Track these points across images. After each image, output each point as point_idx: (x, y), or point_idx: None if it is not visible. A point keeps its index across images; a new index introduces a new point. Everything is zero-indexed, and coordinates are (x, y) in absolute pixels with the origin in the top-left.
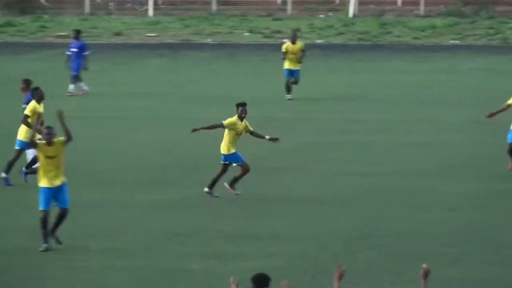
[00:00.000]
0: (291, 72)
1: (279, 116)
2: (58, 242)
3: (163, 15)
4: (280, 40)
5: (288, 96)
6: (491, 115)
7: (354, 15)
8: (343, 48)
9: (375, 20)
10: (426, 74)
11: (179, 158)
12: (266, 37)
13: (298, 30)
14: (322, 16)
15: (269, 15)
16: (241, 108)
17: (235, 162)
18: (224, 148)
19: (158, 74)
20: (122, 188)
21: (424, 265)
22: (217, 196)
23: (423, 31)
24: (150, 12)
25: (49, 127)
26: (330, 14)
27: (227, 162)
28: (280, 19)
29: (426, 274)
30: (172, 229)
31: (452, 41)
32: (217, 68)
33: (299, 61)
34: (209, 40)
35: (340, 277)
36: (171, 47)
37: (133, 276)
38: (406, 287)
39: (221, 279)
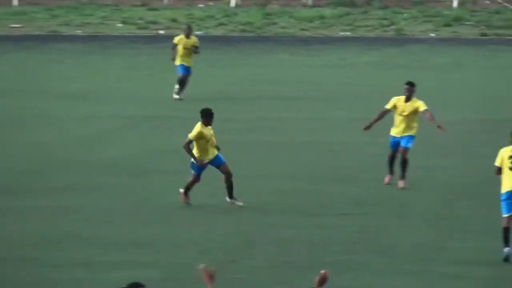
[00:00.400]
0: (185, 68)
1: (154, 114)
2: None
3: (29, 5)
4: (155, 31)
5: (177, 96)
6: (368, 127)
7: (237, 5)
8: (224, 41)
9: (259, 10)
10: (315, 69)
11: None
12: (140, 28)
13: (174, 21)
14: (201, 5)
15: (143, 5)
16: (207, 114)
17: (193, 170)
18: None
19: (24, 69)
20: None
21: (323, 271)
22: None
23: (311, 22)
24: (15, 1)
25: None
26: (211, 3)
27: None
28: (156, 9)
29: (323, 280)
30: (38, 235)
31: (342, 33)
32: (88, 62)
33: (191, 55)
34: (78, 32)
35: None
36: (38, 39)
37: None
38: None
39: None
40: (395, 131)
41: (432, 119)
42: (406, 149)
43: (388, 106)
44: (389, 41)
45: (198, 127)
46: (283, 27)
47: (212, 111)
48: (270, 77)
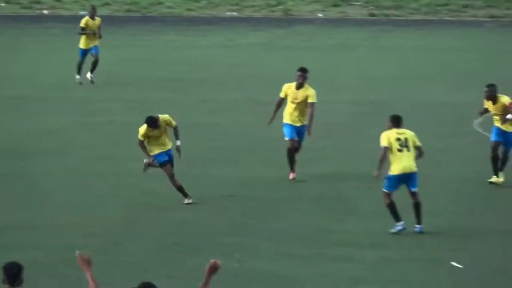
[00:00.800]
0: (85, 52)
1: (30, 95)
2: None
3: None
4: (39, 11)
5: (91, 76)
6: (270, 122)
7: None
8: (109, 21)
9: None
10: (202, 49)
11: None
12: (24, 8)
13: (58, 0)
14: None
15: None
16: (153, 128)
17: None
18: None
19: None
20: None
21: (213, 260)
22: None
23: (197, 1)
24: None
25: None
26: None
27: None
28: None
29: (214, 269)
30: None
31: (229, 13)
32: None
33: (97, 37)
34: None
35: (88, 263)
36: None
37: None
38: (180, 280)
39: None
40: (289, 119)
41: (310, 118)
42: (300, 142)
43: (282, 94)
44: (276, 22)
45: (142, 129)
46: (169, 7)
47: (155, 118)
48: (156, 58)
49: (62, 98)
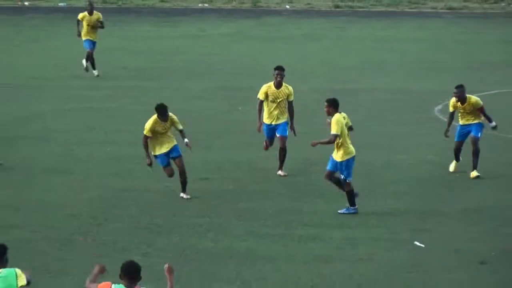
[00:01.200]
0: (92, 43)
1: (12, 82)
2: None
3: None
4: (21, 3)
5: (95, 72)
6: (259, 129)
7: None
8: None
9: None
10: (175, 39)
11: None
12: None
13: None
14: None
15: None
16: (161, 118)
17: (160, 163)
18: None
19: None
20: None
21: (166, 264)
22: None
23: None
24: None
25: None
26: None
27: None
28: None
29: (171, 270)
30: None
31: (201, 5)
32: None
33: (96, 31)
34: None
35: (102, 271)
36: None
37: None
38: (156, 258)
39: None
40: (268, 118)
41: (293, 116)
42: (285, 137)
43: (261, 96)
44: (245, 13)
45: (150, 122)
46: None
47: (166, 106)
48: (132, 48)
49: (40, 86)
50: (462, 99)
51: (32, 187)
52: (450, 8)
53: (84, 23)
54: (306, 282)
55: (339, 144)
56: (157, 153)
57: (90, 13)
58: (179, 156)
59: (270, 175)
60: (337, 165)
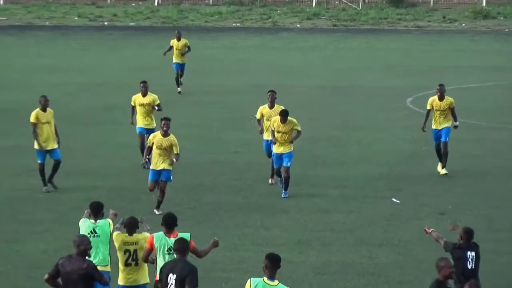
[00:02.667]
0: (179, 65)
1: (95, 82)
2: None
3: (11, 3)
4: (102, 23)
5: (179, 90)
6: (261, 131)
7: (158, 4)
8: (150, 30)
9: (174, 7)
10: (215, 50)
11: None
12: (91, 20)
13: (115, 15)
14: (133, 4)
15: (93, 3)
16: (163, 122)
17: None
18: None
19: (8, 50)
20: None
21: (216, 238)
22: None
23: (212, 16)
24: (1, 1)
25: None
26: (140, 3)
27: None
28: (101, 7)
29: (216, 245)
30: None
31: (234, 24)
32: (53, 45)
33: (183, 55)
34: (47, 23)
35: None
36: (18, 28)
37: None
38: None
39: None
40: (266, 134)
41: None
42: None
43: (258, 115)
44: (267, 30)
45: (153, 136)
46: (192, 20)
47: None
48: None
49: (117, 84)
50: (442, 95)
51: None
52: (418, 26)
53: (174, 49)
54: (312, 227)
55: (287, 139)
56: (152, 166)
57: (178, 39)
58: (166, 181)
59: None
60: (281, 158)
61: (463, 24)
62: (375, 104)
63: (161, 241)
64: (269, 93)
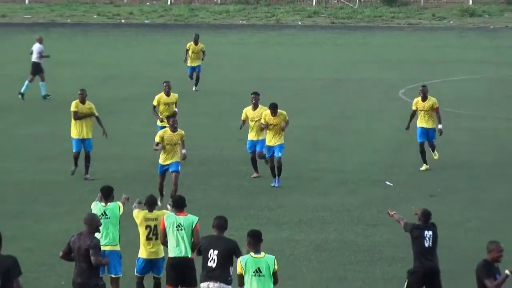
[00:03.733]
0: (193, 68)
1: (109, 74)
2: None
3: (35, 2)
4: (119, 20)
5: (195, 88)
6: (262, 128)
7: (171, 3)
8: (163, 27)
9: (186, 6)
10: (223, 45)
11: None
12: (109, 18)
13: (131, 13)
14: (148, 3)
15: (111, 2)
16: (172, 119)
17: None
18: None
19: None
20: None
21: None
22: None
23: (220, 14)
24: (27, 0)
25: None
26: (154, 2)
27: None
28: (119, 5)
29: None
30: None
31: (241, 22)
32: (74, 41)
33: (199, 58)
34: (68, 21)
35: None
36: (42, 25)
37: None
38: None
39: None
40: (252, 135)
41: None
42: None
43: (242, 117)
44: (271, 27)
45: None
46: (202, 18)
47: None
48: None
49: (131, 75)
50: (425, 95)
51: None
52: (409, 24)
53: (190, 52)
54: (312, 208)
55: (278, 131)
56: (161, 161)
57: (196, 43)
58: (176, 171)
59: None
60: (273, 149)
61: (451, 22)
62: (370, 95)
63: (171, 219)
64: (252, 95)
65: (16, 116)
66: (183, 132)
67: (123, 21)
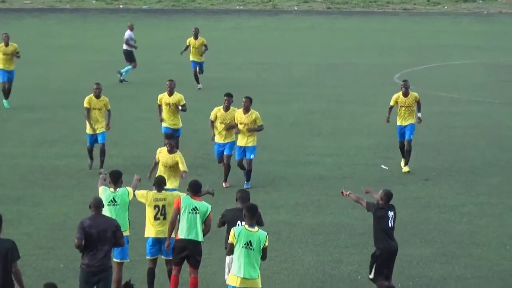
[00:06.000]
0: (196, 63)
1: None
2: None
3: None
4: (117, 5)
5: (199, 86)
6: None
7: None
8: (161, 12)
9: None
10: (220, 31)
11: None
12: (107, 4)
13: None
14: None
15: None
16: (166, 141)
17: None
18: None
19: (33, 30)
20: None
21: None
22: None
23: None
24: None
25: None
26: None
27: None
28: None
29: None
30: None
31: (238, 7)
32: (73, 26)
33: (201, 53)
34: (67, 6)
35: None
36: (41, 11)
37: None
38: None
39: None
40: (218, 138)
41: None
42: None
43: (211, 117)
44: (267, 12)
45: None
46: (199, 3)
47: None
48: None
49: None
50: (406, 90)
51: None
52: (404, 9)
53: (191, 47)
54: (308, 192)
55: (252, 133)
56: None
57: (195, 38)
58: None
59: (282, 121)
60: (245, 151)
61: (446, 7)
62: (365, 80)
63: (187, 202)
64: (225, 98)
65: (16, 101)
66: (180, 156)
67: (121, 6)
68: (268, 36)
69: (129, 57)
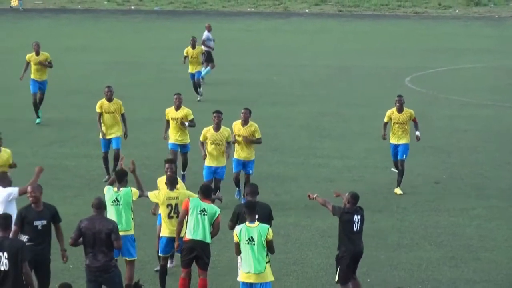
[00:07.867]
0: (193, 75)
1: (114, 60)
2: None
3: None
4: (128, 7)
5: (198, 98)
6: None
7: None
8: (173, 14)
9: None
10: (233, 32)
11: None
12: (119, 5)
13: (141, 0)
14: None
15: None
16: (215, 115)
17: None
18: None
19: (44, 30)
20: None
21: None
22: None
23: (229, 1)
24: None
25: None
26: None
27: None
28: None
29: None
30: None
31: (249, 9)
32: (84, 27)
33: (199, 63)
34: (79, 7)
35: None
36: (53, 11)
37: None
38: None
39: None
40: (209, 161)
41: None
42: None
43: (201, 138)
44: (279, 15)
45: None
46: (211, 5)
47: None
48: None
49: (139, 60)
50: (401, 106)
51: None
52: (415, 12)
53: (189, 57)
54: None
55: (250, 145)
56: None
57: (193, 47)
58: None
59: (292, 122)
60: (243, 164)
61: (457, 11)
62: (376, 82)
63: (196, 203)
64: (214, 114)
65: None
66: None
67: (132, 7)
68: (279, 39)
69: (208, 57)
